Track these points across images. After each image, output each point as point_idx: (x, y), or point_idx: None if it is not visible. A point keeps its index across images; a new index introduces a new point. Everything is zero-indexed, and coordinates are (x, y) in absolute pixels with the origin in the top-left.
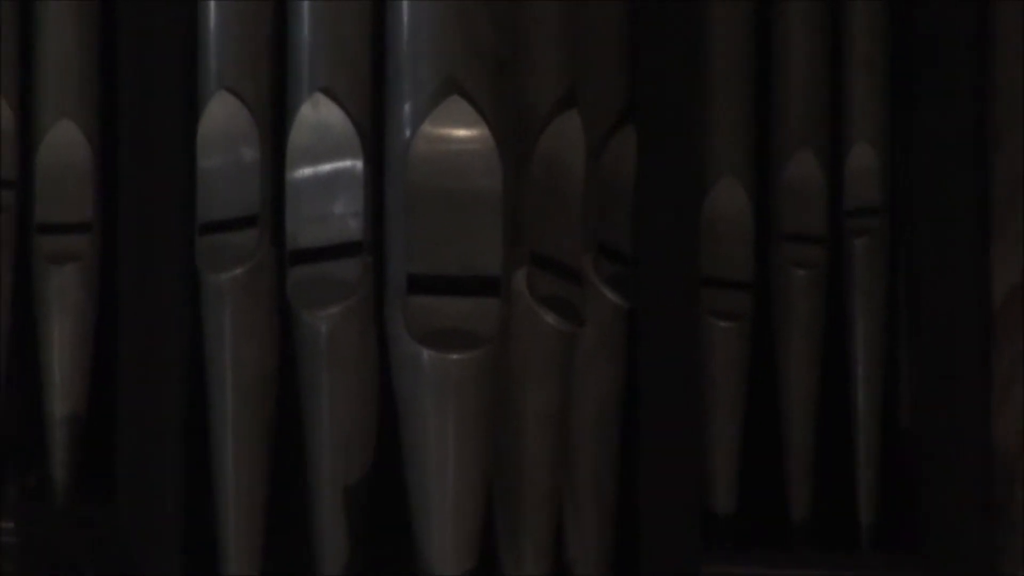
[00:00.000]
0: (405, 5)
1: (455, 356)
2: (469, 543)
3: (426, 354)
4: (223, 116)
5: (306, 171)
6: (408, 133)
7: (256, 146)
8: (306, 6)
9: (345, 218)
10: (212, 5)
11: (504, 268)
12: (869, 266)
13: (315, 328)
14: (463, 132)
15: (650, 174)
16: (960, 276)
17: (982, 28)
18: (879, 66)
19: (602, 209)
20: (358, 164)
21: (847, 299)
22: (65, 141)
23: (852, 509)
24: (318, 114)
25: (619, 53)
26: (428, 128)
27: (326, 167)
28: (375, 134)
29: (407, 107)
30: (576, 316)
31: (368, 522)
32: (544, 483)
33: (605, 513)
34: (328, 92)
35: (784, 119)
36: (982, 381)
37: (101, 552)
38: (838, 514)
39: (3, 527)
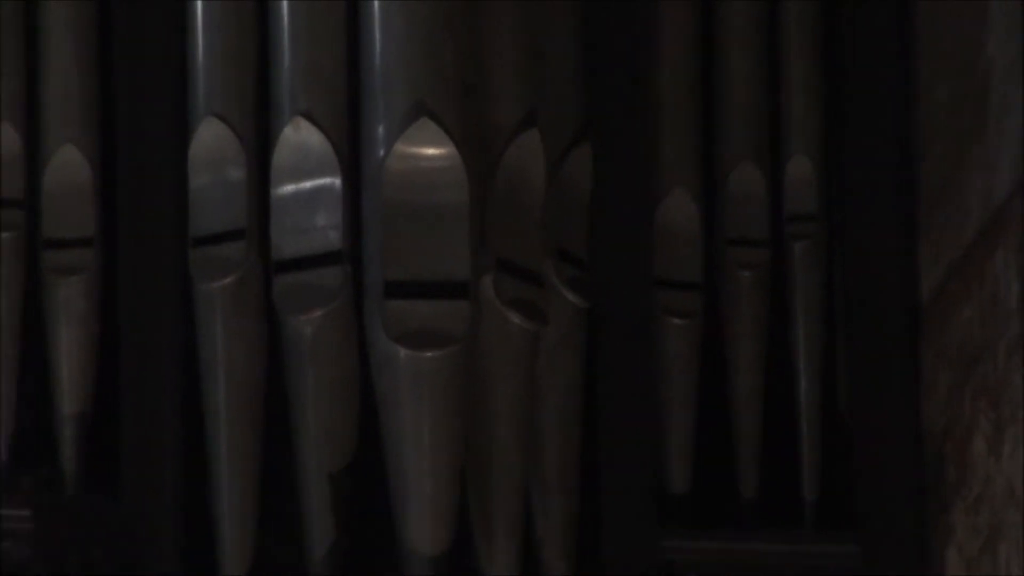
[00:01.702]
0: (377, 34)
1: (429, 354)
2: (445, 524)
3: (402, 353)
4: (211, 139)
5: (289, 188)
6: (382, 152)
7: (242, 166)
8: (286, 37)
9: (326, 230)
10: (200, 37)
11: (472, 273)
12: (808, 267)
13: (300, 331)
14: (432, 151)
15: (606, 186)
16: (890, 275)
17: (907, 51)
18: (814, 83)
19: (562, 218)
20: (337, 181)
21: (788, 297)
22: (68, 164)
23: (797, 489)
24: (299, 136)
25: (575, 76)
26: (400, 148)
27: (307, 184)
28: (352, 153)
29: (381, 129)
30: (539, 316)
31: (352, 506)
32: (513, 469)
33: (569, 495)
34: (308, 116)
35: (728, 133)
36: (911, 370)
37: (107, 536)
38: (784, 493)
39: (19, 515)
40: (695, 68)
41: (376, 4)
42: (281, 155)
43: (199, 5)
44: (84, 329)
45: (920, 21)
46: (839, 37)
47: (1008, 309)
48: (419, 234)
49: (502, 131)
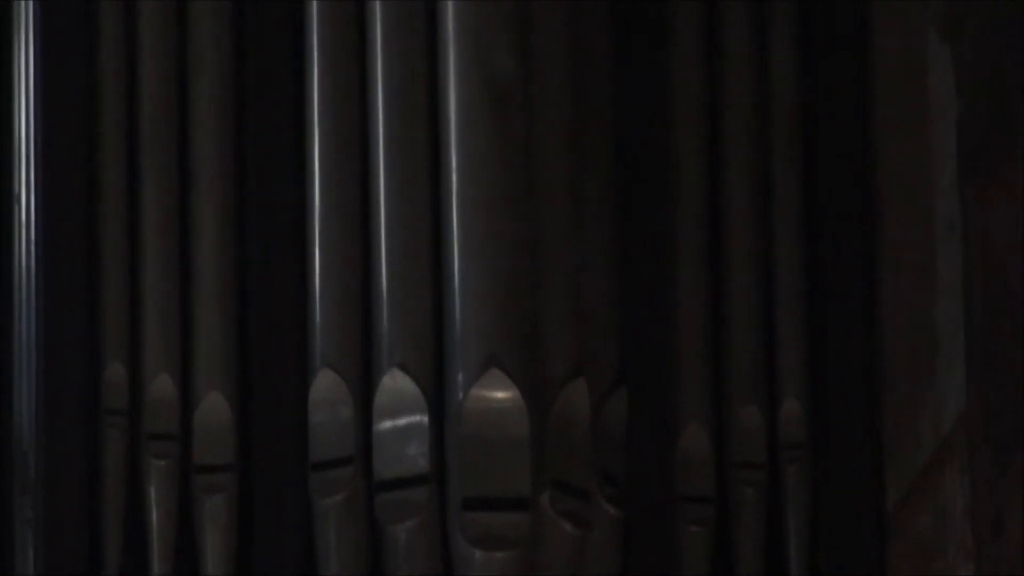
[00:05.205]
0: (457, 300)
1: (498, 555)
2: None
3: (477, 553)
4: (326, 386)
5: (387, 424)
6: (461, 396)
7: (350, 407)
8: (384, 305)
9: (416, 457)
10: (318, 304)
11: (532, 491)
12: (798, 485)
13: (396, 537)
14: (501, 395)
15: (637, 422)
16: (862, 490)
17: (872, 315)
18: (801, 340)
19: (603, 447)
20: (425, 419)
21: (783, 508)
22: (214, 407)
23: None
24: (395, 383)
25: (612, 334)
26: (475, 392)
27: (402, 421)
28: (437, 396)
29: (460, 377)
30: (586, 524)
31: None
32: None
33: None
34: (402, 367)
35: (733, 381)
36: (879, 566)
37: None
38: None
39: None
40: (708, 329)
41: (456, 276)
42: (381, 398)
43: (317, 282)
44: (227, 536)
45: (883, 291)
46: (821, 299)
47: (955, 518)
48: (490, 460)
49: (555, 380)
